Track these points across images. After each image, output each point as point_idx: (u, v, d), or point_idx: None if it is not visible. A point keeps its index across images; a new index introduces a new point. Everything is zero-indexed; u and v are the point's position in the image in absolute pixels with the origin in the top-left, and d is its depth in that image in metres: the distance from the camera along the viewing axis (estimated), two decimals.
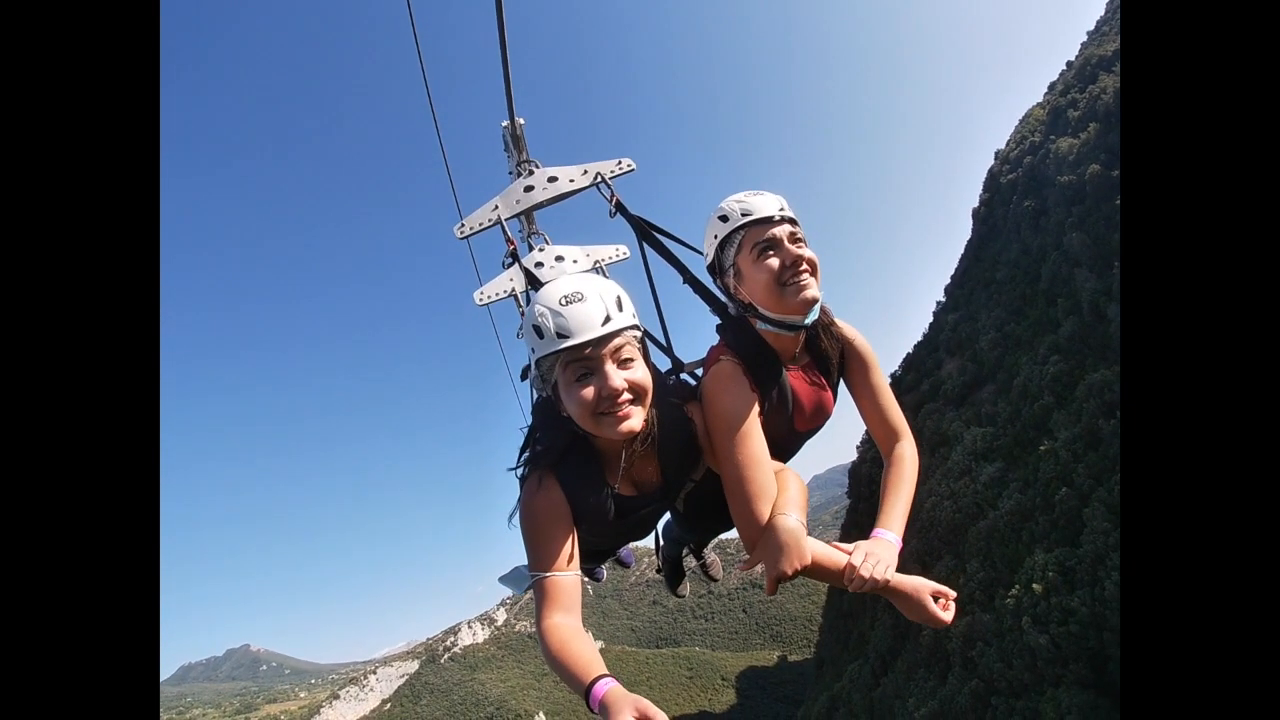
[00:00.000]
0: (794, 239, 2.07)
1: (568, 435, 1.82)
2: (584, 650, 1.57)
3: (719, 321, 2.20)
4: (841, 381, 2.36)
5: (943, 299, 79.87)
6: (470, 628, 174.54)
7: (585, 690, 1.43)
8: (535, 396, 2.04)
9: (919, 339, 78.23)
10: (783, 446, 2.21)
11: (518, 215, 3.26)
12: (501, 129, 3.45)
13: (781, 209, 2.09)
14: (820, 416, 2.24)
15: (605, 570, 4.37)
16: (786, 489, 1.95)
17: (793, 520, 1.81)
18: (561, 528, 1.79)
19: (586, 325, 1.65)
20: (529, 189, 3.23)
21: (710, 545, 3.82)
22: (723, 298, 2.20)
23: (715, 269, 2.21)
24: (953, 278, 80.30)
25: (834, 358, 2.24)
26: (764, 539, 1.82)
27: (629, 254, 4.16)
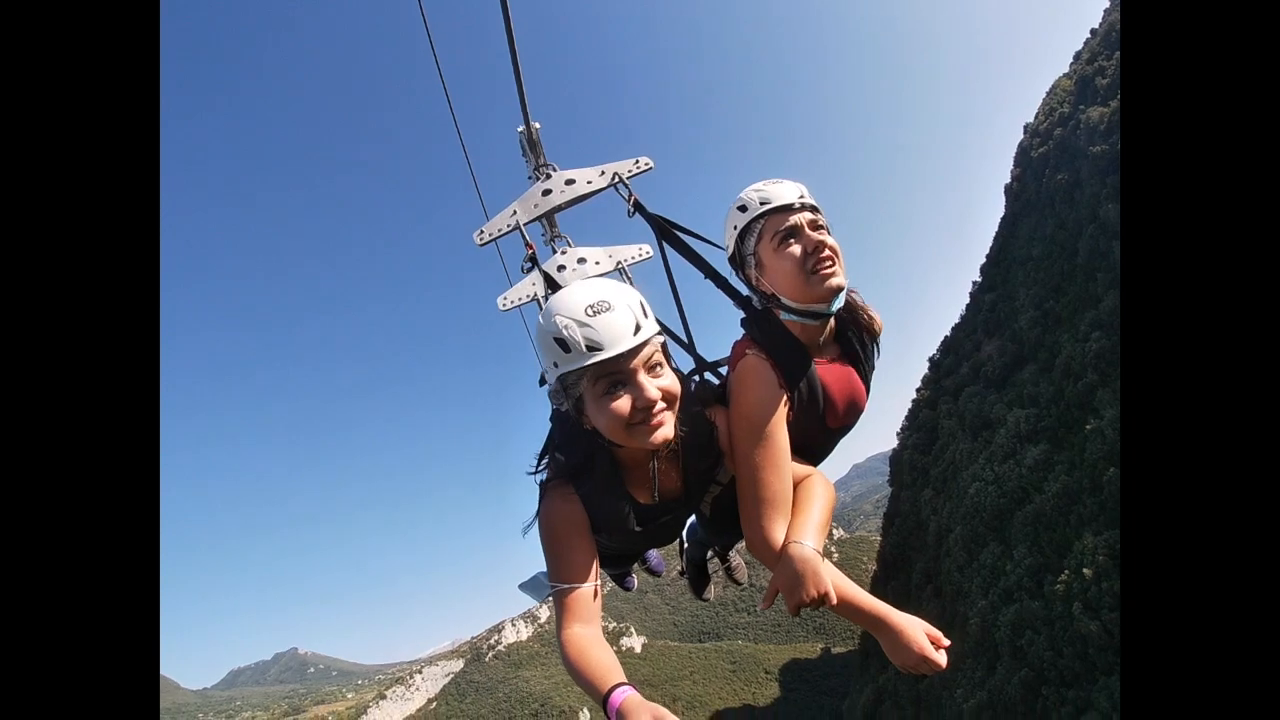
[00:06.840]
0: (815, 226, 2.01)
1: (589, 448, 1.79)
2: (602, 659, 1.57)
3: (743, 315, 2.13)
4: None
5: (979, 279, 77.74)
6: (514, 625, 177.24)
7: (603, 698, 1.44)
8: (554, 406, 1.98)
9: (956, 321, 76.48)
10: (814, 445, 2.15)
11: (537, 219, 3.26)
12: (518, 134, 3.46)
13: (801, 196, 2.03)
14: (853, 413, 2.16)
15: (635, 579, 4.29)
16: (806, 508, 1.89)
17: (807, 549, 1.77)
18: (580, 540, 1.77)
19: (619, 337, 1.57)
20: (547, 192, 3.22)
21: (735, 548, 3.73)
22: (745, 290, 2.14)
23: (736, 261, 2.15)
24: (988, 256, 78.12)
25: (865, 346, 2.17)
26: (780, 565, 1.79)
27: (651, 253, 4.11)
